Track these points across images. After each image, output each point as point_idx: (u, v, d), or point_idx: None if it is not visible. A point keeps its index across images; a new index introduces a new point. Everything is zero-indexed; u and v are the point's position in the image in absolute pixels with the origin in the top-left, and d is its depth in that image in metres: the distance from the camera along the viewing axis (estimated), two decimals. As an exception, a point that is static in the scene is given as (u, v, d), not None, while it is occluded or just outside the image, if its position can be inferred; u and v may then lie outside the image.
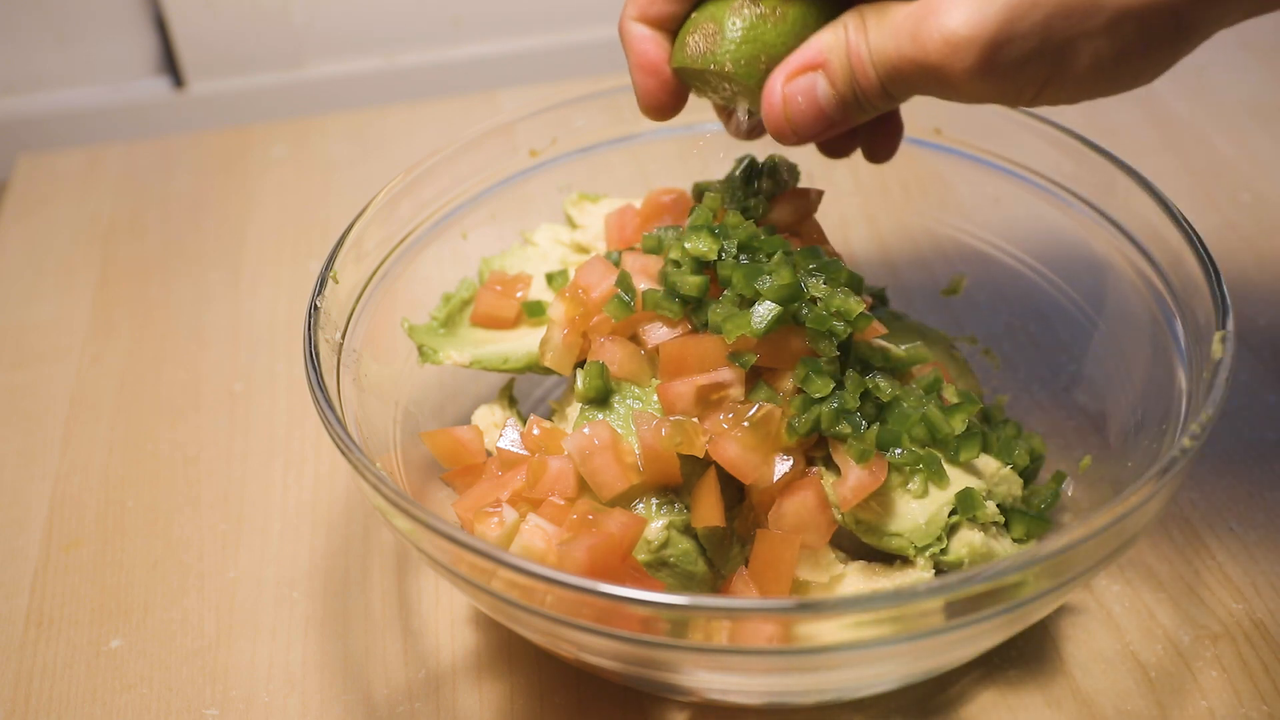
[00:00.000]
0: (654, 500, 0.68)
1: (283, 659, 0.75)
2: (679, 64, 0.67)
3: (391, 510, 0.62)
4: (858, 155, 0.74)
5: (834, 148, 0.73)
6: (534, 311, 0.79)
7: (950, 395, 0.71)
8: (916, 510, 0.68)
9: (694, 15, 0.67)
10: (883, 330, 0.70)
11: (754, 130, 0.70)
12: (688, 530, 0.68)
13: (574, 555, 0.62)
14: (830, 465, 0.68)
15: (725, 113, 0.72)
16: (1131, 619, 0.74)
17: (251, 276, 1.04)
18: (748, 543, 0.69)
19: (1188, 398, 0.69)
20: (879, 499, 0.67)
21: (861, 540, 0.69)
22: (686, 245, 0.70)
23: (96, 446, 0.90)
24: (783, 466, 0.66)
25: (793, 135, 0.65)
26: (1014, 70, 0.58)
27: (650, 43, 0.68)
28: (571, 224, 0.85)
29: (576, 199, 0.86)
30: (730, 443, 0.66)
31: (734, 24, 0.65)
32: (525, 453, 0.70)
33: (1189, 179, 1.07)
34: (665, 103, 0.70)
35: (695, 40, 0.66)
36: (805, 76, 0.63)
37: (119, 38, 1.29)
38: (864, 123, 0.66)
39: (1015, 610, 0.59)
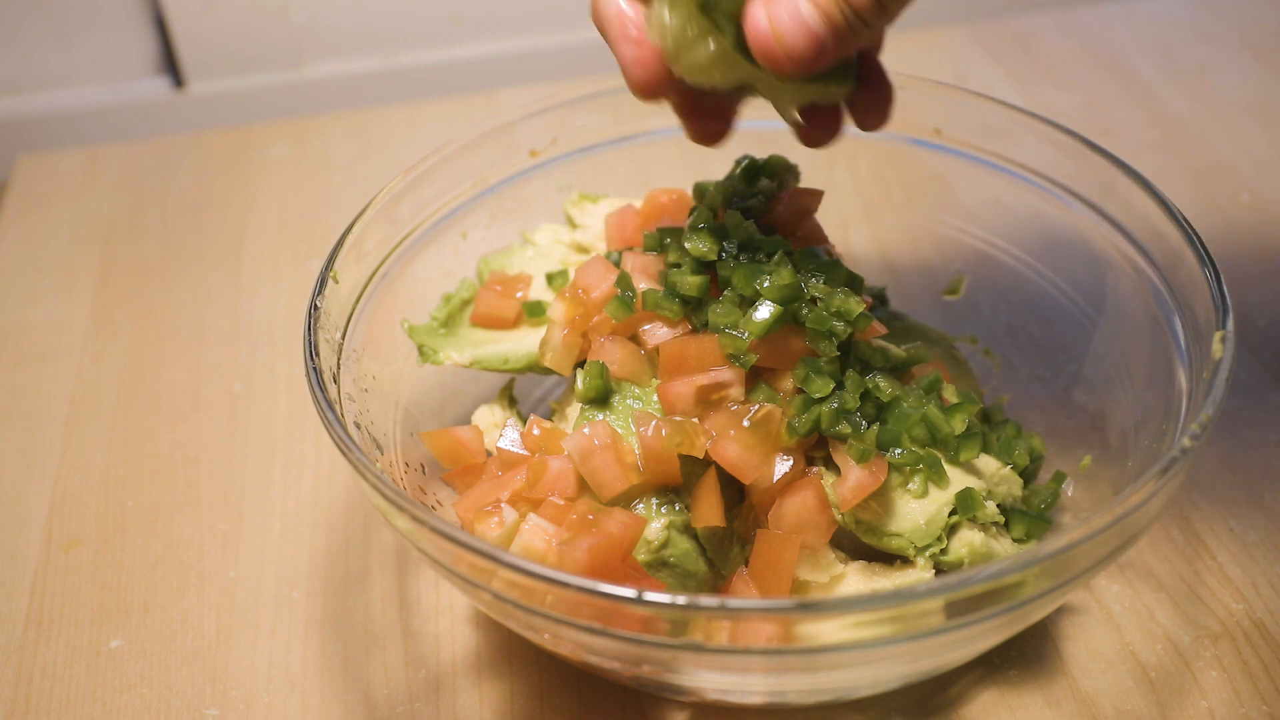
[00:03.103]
0: (654, 500, 0.67)
1: (283, 659, 0.75)
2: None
3: (391, 510, 0.62)
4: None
5: (814, 134, 0.68)
6: (534, 311, 0.79)
7: (950, 395, 0.71)
8: (916, 510, 0.68)
9: None
10: (883, 330, 0.70)
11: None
12: (688, 530, 0.68)
13: (574, 555, 0.62)
14: (830, 465, 0.68)
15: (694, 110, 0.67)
16: (1131, 619, 0.74)
17: (251, 276, 1.04)
18: (748, 543, 0.69)
19: (1188, 398, 0.69)
20: (879, 499, 0.67)
21: (861, 540, 0.69)
22: (687, 245, 0.70)
23: (96, 446, 0.90)
24: (783, 466, 0.66)
25: (786, 59, 0.59)
26: None
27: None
28: (571, 224, 0.85)
29: (576, 199, 0.86)
30: (730, 443, 0.66)
31: None
32: (525, 453, 0.70)
33: (1189, 179, 1.06)
34: (656, 73, 0.63)
35: None
36: None
37: (119, 38, 1.29)
38: (846, 91, 0.62)
39: (1015, 610, 0.59)
